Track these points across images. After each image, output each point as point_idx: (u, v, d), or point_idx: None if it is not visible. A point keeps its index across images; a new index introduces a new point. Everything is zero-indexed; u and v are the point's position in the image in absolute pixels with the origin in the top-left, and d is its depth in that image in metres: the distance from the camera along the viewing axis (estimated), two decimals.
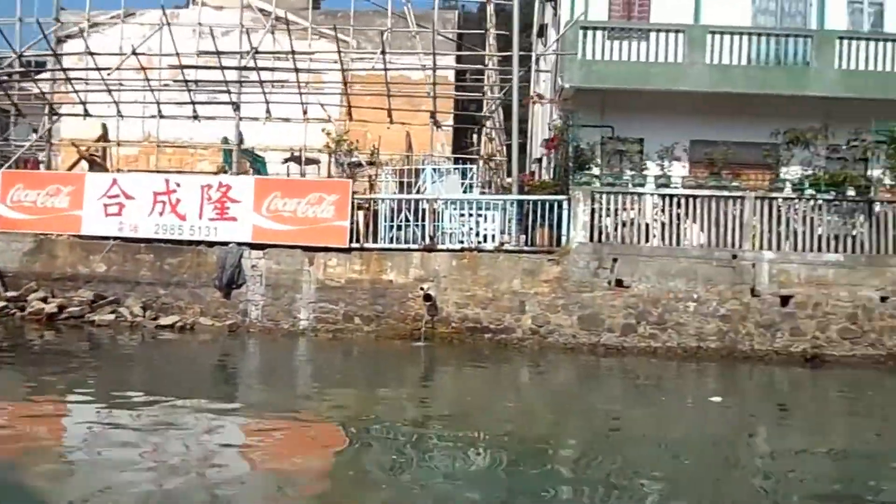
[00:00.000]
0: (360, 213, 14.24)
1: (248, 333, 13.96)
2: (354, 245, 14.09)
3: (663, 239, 13.79)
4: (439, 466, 6.65)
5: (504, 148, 16.76)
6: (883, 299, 13.38)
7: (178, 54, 15.20)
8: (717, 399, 9.56)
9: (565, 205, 13.83)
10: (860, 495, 6.25)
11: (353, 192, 14.32)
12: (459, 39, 20.46)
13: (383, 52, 14.82)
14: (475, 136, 21.22)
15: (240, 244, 14.04)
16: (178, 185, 14.27)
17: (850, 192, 13.64)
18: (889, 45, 15.84)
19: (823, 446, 7.91)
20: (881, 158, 14.23)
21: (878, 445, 8.22)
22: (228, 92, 15.42)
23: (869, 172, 14.64)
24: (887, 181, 13.86)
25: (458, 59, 19.43)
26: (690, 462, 7.05)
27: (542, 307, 13.75)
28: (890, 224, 13.54)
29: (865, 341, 13.34)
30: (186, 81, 15.57)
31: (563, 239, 13.89)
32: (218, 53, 14.81)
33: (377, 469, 6.40)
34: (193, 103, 15.94)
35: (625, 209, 13.85)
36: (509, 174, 15.97)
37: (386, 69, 15.17)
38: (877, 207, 13.62)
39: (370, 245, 14.13)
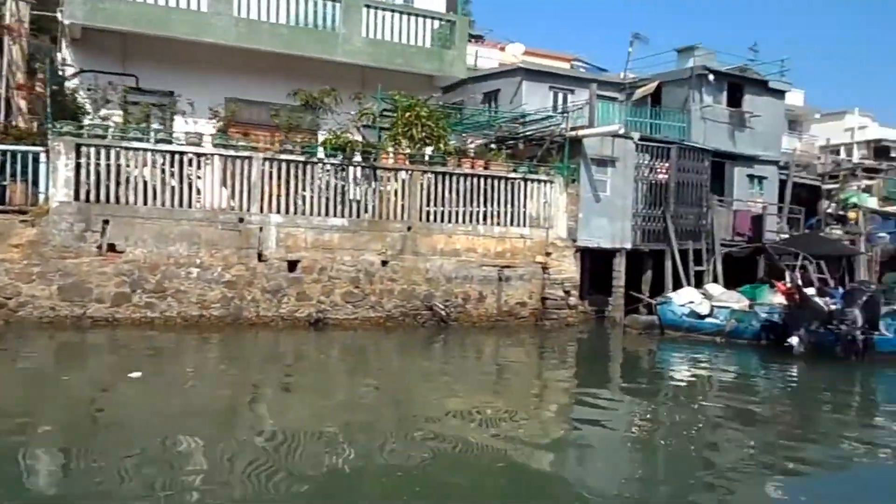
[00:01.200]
0: None
1: None
2: None
3: (169, 201, 12.56)
4: None
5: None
6: (384, 263, 13.84)
7: None
8: (136, 375, 8.57)
9: (43, 157, 11.86)
10: None
11: None
12: None
13: None
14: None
15: None
16: None
17: (358, 158, 13.79)
18: (414, 19, 16.49)
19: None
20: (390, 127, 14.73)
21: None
22: None
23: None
24: (390, 148, 14.33)
25: None
26: None
27: (11, 276, 11.69)
28: (391, 190, 14.02)
29: (367, 304, 13.70)
30: None
31: (42, 197, 11.93)
32: None
33: None
34: None
35: (118, 165, 12.31)
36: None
37: None
38: (379, 173, 13.99)
39: None
